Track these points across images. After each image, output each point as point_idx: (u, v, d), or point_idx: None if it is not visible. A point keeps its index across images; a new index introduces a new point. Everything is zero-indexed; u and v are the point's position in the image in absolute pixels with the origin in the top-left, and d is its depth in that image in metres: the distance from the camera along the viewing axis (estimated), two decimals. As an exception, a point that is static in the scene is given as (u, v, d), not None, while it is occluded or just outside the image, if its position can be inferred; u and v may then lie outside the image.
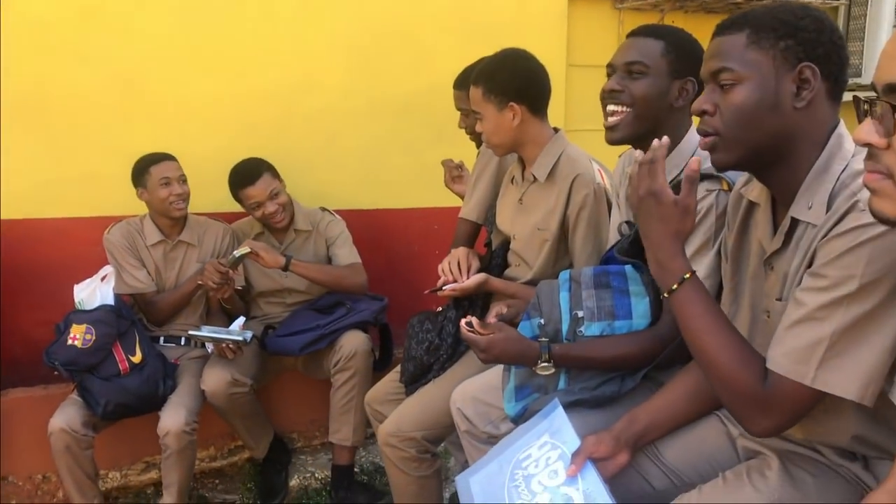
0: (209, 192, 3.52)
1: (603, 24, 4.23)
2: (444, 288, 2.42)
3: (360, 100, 3.79)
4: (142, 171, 3.14)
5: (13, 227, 3.38)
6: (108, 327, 2.94)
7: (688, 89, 1.95)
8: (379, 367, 3.32)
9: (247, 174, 3.21)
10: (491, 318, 2.12)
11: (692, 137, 1.99)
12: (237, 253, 3.09)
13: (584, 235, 2.37)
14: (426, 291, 2.54)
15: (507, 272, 2.60)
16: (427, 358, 2.51)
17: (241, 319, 3.15)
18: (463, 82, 2.83)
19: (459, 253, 2.50)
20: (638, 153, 1.57)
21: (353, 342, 3.15)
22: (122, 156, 3.28)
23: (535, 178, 2.47)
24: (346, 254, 3.40)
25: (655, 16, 4.17)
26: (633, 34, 2.00)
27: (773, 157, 1.48)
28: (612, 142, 2.00)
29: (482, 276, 2.43)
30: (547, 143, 2.43)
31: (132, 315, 3.09)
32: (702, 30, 3.69)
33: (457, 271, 2.45)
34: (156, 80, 3.47)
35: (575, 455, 1.65)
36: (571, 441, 1.68)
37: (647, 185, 1.50)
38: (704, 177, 1.84)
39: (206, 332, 3.06)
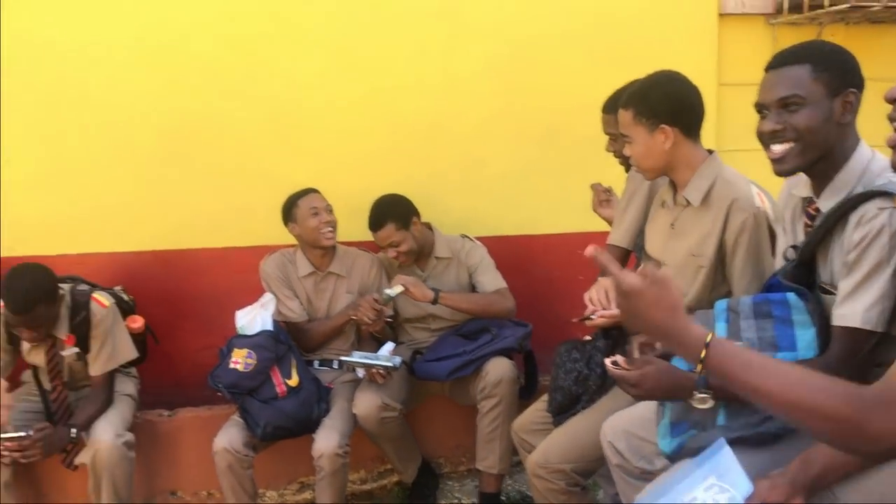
0: (358, 222, 3.62)
1: (756, 40, 4.03)
2: (591, 317, 2.37)
3: (505, 125, 3.80)
4: (290, 206, 3.31)
5: (179, 257, 3.62)
6: (267, 352, 3.08)
7: (850, 101, 1.83)
8: (525, 394, 3.29)
9: (373, 220, 3.31)
10: (634, 351, 2.05)
11: (862, 152, 1.86)
12: (391, 292, 3.19)
13: (744, 262, 2.25)
14: (574, 320, 2.50)
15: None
16: (575, 388, 2.46)
17: (391, 345, 3.21)
18: (612, 106, 2.78)
19: (606, 282, 2.44)
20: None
21: (499, 369, 3.14)
22: (274, 187, 3.46)
23: (688, 202, 2.37)
24: (491, 279, 3.41)
25: (812, 30, 3.95)
26: (774, 66, 1.89)
27: None
28: (781, 174, 1.90)
29: None
30: (700, 165, 2.34)
31: (289, 340, 3.22)
32: (867, 43, 3.46)
33: (605, 300, 2.39)
34: (306, 114, 3.63)
35: (747, 500, 1.55)
36: (741, 484, 1.58)
37: (618, 295, 1.39)
38: (875, 194, 1.71)
39: (357, 357, 3.15)
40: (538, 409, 2.76)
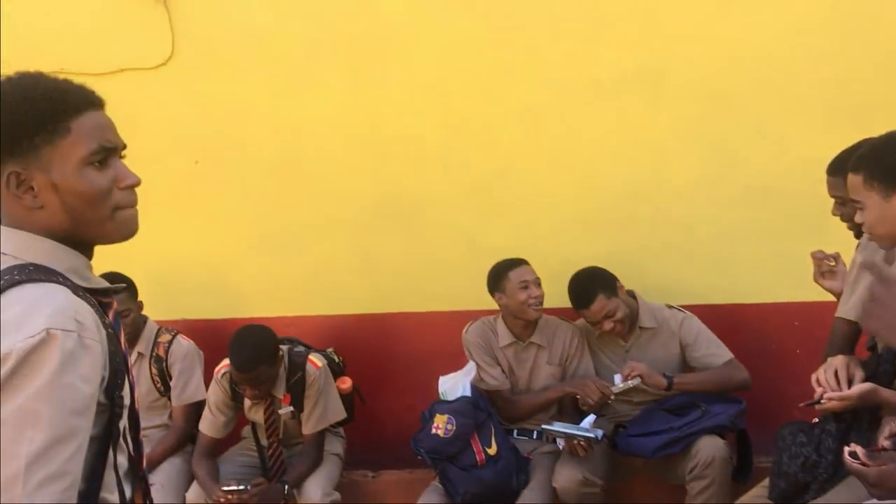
0: (558, 288, 3.59)
1: None
2: (821, 401, 2.16)
3: (713, 189, 3.64)
4: (500, 276, 3.29)
5: (385, 321, 3.76)
6: (466, 418, 3.10)
7: None
8: (738, 477, 3.07)
9: (581, 297, 3.21)
10: (882, 441, 1.84)
11: None
12: (624, 385, 3.11)
13: None
14: (801, 405, 2.30)
15: (898, 381, 2.26)
16: (803, 476, 2.25)
17: (592, 417, 3.12)
18: (839, 168, 2.57)
19: (837, 362, 2.23)
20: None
21: (711, 448, 2.95)
22: (477, 253, 3.52)
23: (926, 272, 2.14)
24: (717, 352, 3.26)
25: None
26: None
27: None
28: None
29: (867, 385, 2.14)
30: None
31: (488, 407, 3.21)
32: None
33: (834, 382, 2.18)
34: (508, 182, 3.69)
35: None
36: None
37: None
38: None
39: (558, 427, 3.08)
40: (757, 494, 2.55)
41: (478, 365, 3.32)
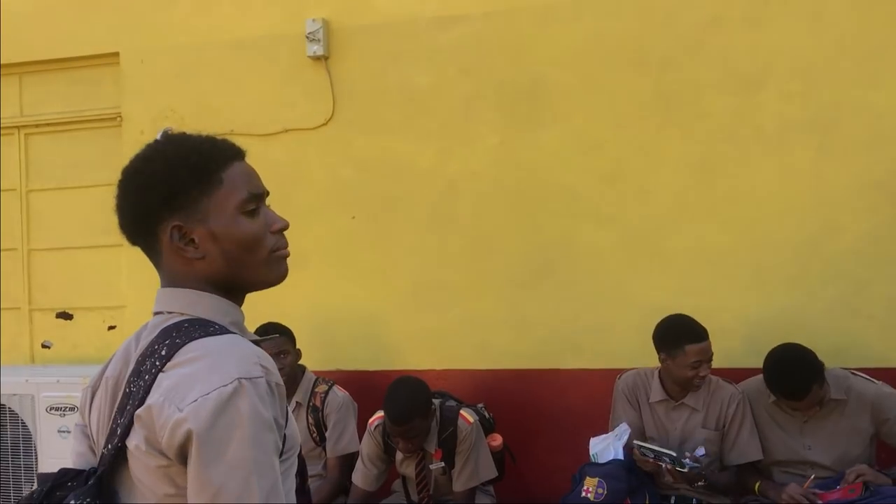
0: (722, 345, 3.41)
1: None
2: None
3: (889, 243, 3.38)
4: (676, 342, 3.09)
5: (536, 376, 3.70)
6: (618, 482, 2.97)
7: None
8: None
9: (796, 391, 2.94)
10: None
11: None
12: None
13: None
14: None
15: None
16: None
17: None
18: None
19: None
20: None
21: None
22: (632, 308, 3.42)
23: None
24: None
25: None
26: None
27: None
28: None
29: None
30: None
31: (643, 473, 3.07)
32: None
33: None
34: (670, 236, 3.58)
35: None
36: None
37: None
38: None
39: (649, 445, 2.99)
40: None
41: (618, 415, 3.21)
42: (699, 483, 3.01)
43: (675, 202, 3.57)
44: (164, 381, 1.11)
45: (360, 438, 3.37)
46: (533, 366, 3.69)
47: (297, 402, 3.45)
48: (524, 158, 3.71)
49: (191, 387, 1.08)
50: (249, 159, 1.28)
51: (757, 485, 3.09)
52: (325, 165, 3.93)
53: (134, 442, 1.12)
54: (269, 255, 1.25)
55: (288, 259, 1.29)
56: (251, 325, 3.32)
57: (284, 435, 1.17)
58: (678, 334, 3.10)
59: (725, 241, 3.52)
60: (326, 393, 3.45)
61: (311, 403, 3.45)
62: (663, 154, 3.58)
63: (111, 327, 4.28)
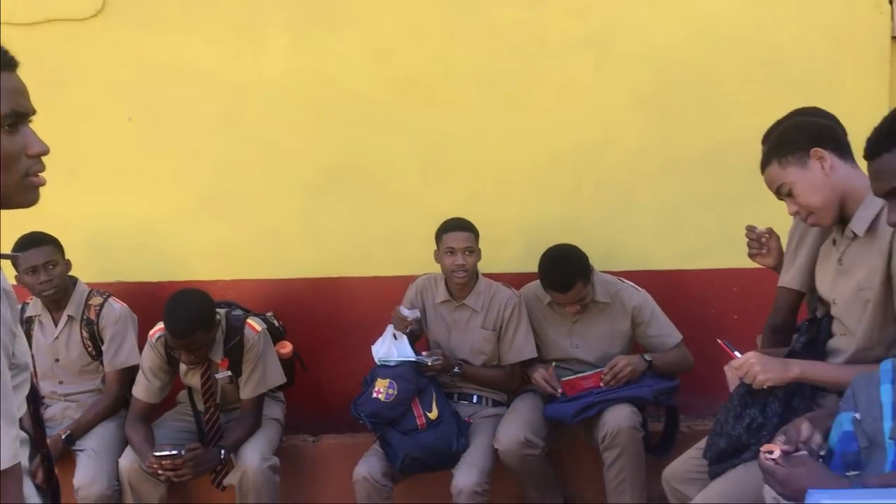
0: (503, 252, 3.60)
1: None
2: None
3: (656, 157, 3.66)
4: (437, 236, 3.28)
5: (329, 285, 3.70)
6: (408, 383, 3.07)
7: None
8: (658, 452, 3.13)
9: (559, 282, 3.13)
10: (803, 433, 1.86)
11: None
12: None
13: None
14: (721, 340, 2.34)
15: (830, 343, 2.30)
16: (746, 437, 2.26)
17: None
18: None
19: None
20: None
21: (617, 418, 2.99)
22: (423, 217, 3.47)
23: (854, 235, 2.19)
24: (669, 333, 3.30)
25: None
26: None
27: None
28: None
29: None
30: (867, 193, 2.13)
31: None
32: None
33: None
34: (454, 146, 3.65)
35: None
36: None
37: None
38: None
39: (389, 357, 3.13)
40: (693, 456, 2.58)
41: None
42: (455, 371, 3.22)
43: (464, 113, 3.62)
44: None
45: (141, 350, 3.23)
46: (325, 274, 3.68)
47: (68, 316, 3.26)
48: (315, 63, 3.60)
49: None
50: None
51: (524, 369, 3.36)
52: (96, 62, 3.60)
53: None
54: (21, 178, 1.17)
55: (41, 186, 1.20)
56: (14, 234, 3.05)
57: (14, 349, 1.11)
58: (441, 227, 3.26)
59: (508, 151, 3.64)
60: (102, 305, 3.27)
61: (84, 317, 3.26)
62: (451, 64, 3.61)
63: None
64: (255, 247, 3.68)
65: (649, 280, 3.48)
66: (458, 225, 3.25)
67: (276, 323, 3.43)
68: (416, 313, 3.22)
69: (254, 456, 3.02)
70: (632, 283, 3.36)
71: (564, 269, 3.13)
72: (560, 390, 3.16)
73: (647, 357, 3.18)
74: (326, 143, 3.65)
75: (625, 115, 3.65)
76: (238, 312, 3.22)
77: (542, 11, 3.61)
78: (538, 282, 3.36)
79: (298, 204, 3.68)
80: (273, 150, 3.65)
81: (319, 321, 3.69)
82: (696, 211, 3.68)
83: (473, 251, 3.23)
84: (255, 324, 3.17)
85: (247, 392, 3.15)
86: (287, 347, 3.38)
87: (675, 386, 3.17)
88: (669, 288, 3.62)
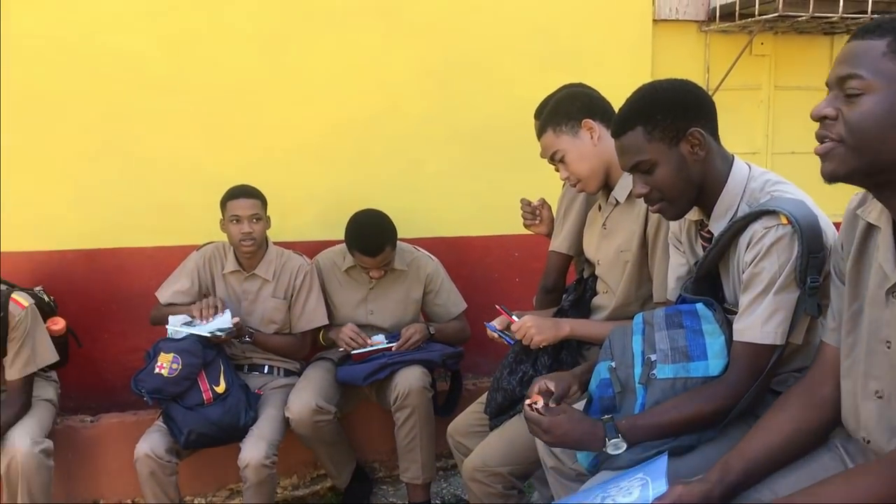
0: (292, 221, 3.58)
1: (689, 48, 4.12)
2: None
3: (439, 127, 3.77)
4: (221, 204, 3.19)
5: (104, 256, 3.49)
6: (194, 357, 2.97)
7: (697, 139, 1.84)
8: (442, 412, 3.28)
9: (368, 246, 3.15)
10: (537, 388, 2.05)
11: (738, 172, 1.90)
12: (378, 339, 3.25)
13: (661, 257, 2.28)
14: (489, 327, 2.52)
15: (595, 300, 2.53)
16: (520, 390, 2.43)
17: (228, 314, 3.11)
18: (541, 111, 2.78)
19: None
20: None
21: (408, 379, 3.09)
22: (204, 184, 3.37)
23: (617, 201, 2.41)
24: (455, 302, 3.46)
25: (744, 38, 4.04)
26: (616, 136, 1.93)
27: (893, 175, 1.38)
28: (671, 220, 2.01)
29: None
30: None
31: (218, 346, 3.11)
32: (794, 52, 3.54)
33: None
34: (237, 110, 3.54)
35: (658, 500, 1.56)
36: (659, 486, 1.60)
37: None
38: (760, 214, 1.75)
39: (186, 328, 3.04)
40: (474, 411, 2.74)
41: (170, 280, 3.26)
42: (246, 339, 3.18)
43: (246, 76, 3.52)
44: None
45: None
46: (98, 245, 3.46)
47: None
48: (80, 20, 3.33)
49: None
50: None
51: (321, 334, 3.37)
52: None
53: None
54: None
55: None
56: None
57: None
58: (226, 195, 3.17)
59: (295, 118, 3.59)
60: None
61: None
62: (233, 26, 3.49)
63: None
64: (19, 215, 3.38)
65: (435, 246, 3.61)
66: (242, 192, 3.16)
67: (46, 298, 3.18)
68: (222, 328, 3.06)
69: (23, 440, 2.80)
70: (426, 252, 3.46)
71: (374, 232, 3.17)
72: (369, 342, 3.21)
73: (432, 330, 3.31)
74: (95, 104, 3.40)
75: (411, 84, 3.72)
76: (1, 287, 2.96)
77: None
78: (336, 248, 3.39)
79: (67, 169, 3.41)
80: (37, 111, 3.35)
81: (95, 295, 3.48)
82: (475, 180, 3.84)
83: (260, 218, 3.17)
84: (20, 299, 2.92)
85: (13, 373, 2.91)
86: (59, 324, 3.15)
87: (461, 352, 3.33)
88: (455, 254, 3.78)
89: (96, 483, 3.28)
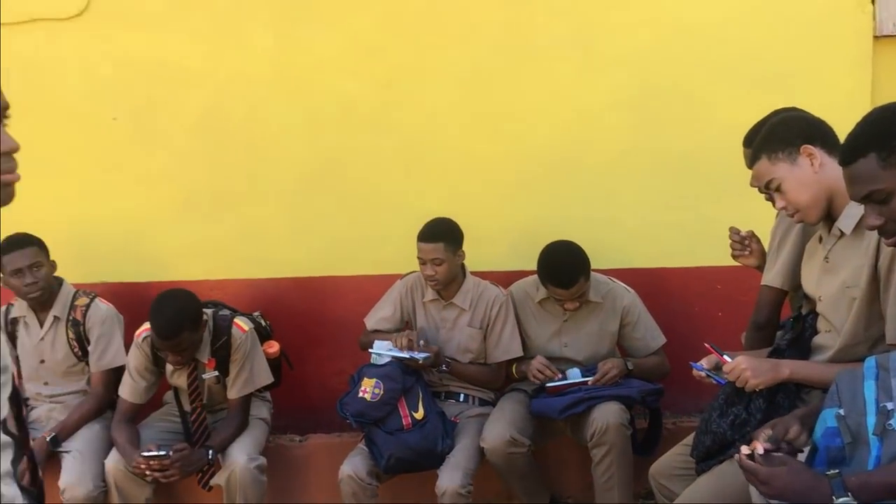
0: (487, 250, 3.61)
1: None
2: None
3: (638, 156, 3.68)
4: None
5: (314, 284, 3.70)
6: (394, 383, 3.08)
7: None
8: (641, 451, 3.16)
9: (561, 277, 3.10)
10: (791, 433, 1.90)
11: None
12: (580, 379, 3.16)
13: None
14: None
15: (815, 340, 2.34)
16: (731, 433, 2.29)
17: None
18: (752, 139, 2.63)
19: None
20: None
21: (606, 414, 3.00)
22: (407, 216, 3.47)
23: (841, 233, 2.22)
24: (654, 336, 3.33)
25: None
26: (845, 163, 1.82)
27: None
28: None
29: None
30: None
31: (417, 373, 3.20)
32: None
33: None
34: (438, 145, 3.66)
35: None
36: None
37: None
38: None
39: (383, 350, 3.13)
40: (679, 452, 2.61)
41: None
42: (443, 368, 3.23)
43: (448, 111, 3.64)
44: None
45: (127, 351, 3.22)
46: (311, 273, 3.69)
47: (54, 317, 3.24)
48: (299, 61, 3.61)
49: None
50: None
51: (513, 366, 3.35)
52: (81, 61, 3.58)
53: None
54: None
55: (14, 183, 1.15)
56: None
57: None
58: (418, 233, 3.23)
59: (494, 150, 3.66)
60: (88, 306, 3.26)
61: (70, 317, 3.25)
62: (437, 63, 3.62)
63: None
64: (240, 246, 3.68)
65: (633, 278, 3.51)
66: (426, 235, 3.20)
67: (263, 322, 3.43)
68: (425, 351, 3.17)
69: (241, 456, 3.02)
70: (622, 283, 3.38)
71: (568, 264, 3.14)
72: (558, 376, 3.17)
73: (630, 365, 3.21)
74: (310, 141, 3.65)
75: (608, 114, 3.67)
76: (225, 312, 3.22)
77: (526, 11, 3.62)
78: (530, 279, 3.38)
79: (283, 203, 3.68)
80: (257, 149, 3.65)
81: (305, 320, 3.70)
82: (675, 210, 3.70)
83: (442, 262, 3.18)
84: (242, 323, 3.17)
85: (234, 392, 3.15)
86: (274, 347, 3.38)
87: (661, 389, 3.21)
88: (653, 286, 3.66)
89: (304, 500, 3.45)
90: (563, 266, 3.13)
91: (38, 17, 3.54)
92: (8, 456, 1.16)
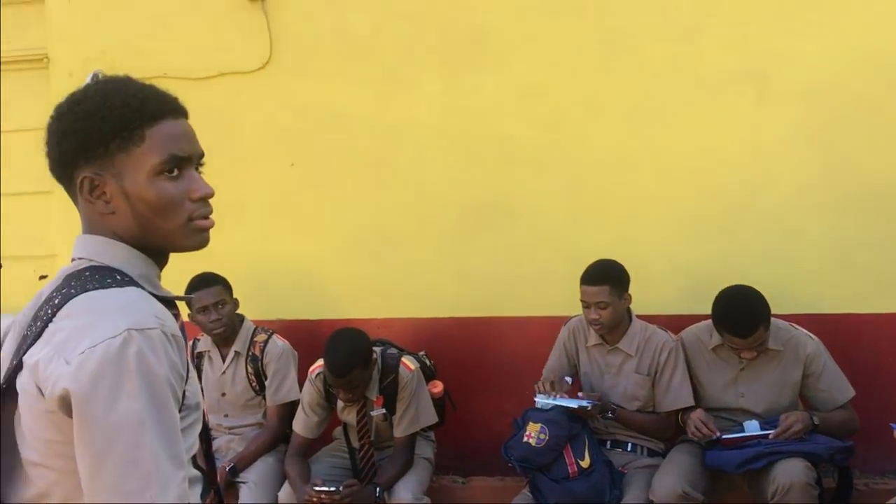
0: (656, 292, 3.49)
1: None
2: None
3: (821, 192, 3.46)
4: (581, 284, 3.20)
5: (478, 324, 3.72)
6: (560, 429, 3.02)
7: None
8: None
9: (740, 327, 2.94)
10: None
11: None
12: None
13: None
14: None
15: None
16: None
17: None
18: None
19: None
20: None
21: (790, 472, 2.77)
22: (572, 256, 3.42)
23: None
24: (843, 387, 3.08)
25: None
26: None
27: None
28: None
29: None
30: None
31: (583, 420, 3.12)
32: None
33: None
34: (607, 183, 3.60)
35: None
36: None
37: None
38: None
39: (548, 400, 3.06)
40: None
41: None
42: (609, 416, 3.12)
43: (613, 150, 3.58)
44: (54, 332, 1.09)
45: (301, 387, 3.35)
46: (474, 314, 3.71)
47: (235, 352, 3.42)
48: (464, 105, 3.67)
49: (79, 339, 1.06)
50: (185, 104, 1.23)
51: (680, 415, 3.19)
52: (263, 111, 3.83)
53: (21, 384, 1.11)
54: (186, 223, 1.19)
55: (210, 229, 1.23)
56: (187, 275, 3.26)
57: (185, 391, 1.14)
58: (581, 275, 3.16)
59: (662, 189, 3.55)
60: (266, 342, 3.43)
61: (250, 353, 3.42)
62: (602, 101, 3.58)
63: (42, 277, 4.14)
64: (406, 285, 3.76)
65: (815, 324, 3.27)
66: (590, 277, 3.13)
67: (428, 362, 3.47)
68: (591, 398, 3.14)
69: (406, 495, 3.06)
70: (805, 330, 3.15)
71: (746, 311, 2.96)
72: (717, 434, 2.99)
73: (816, 420, 2.97)
74: (475, 182, 3.70)
75: (787, 149, 3.48)
76: (393, 351, 3.29)
77: (696, 46, 3.52)
78: (702, 324, 3.23)
79: (448, 243, 3.74)
80: (424, 190, 3.74)
81: (468, 360, 3.71)
82: (866, 250, 3.44)
83: (607, 305, 3.09)
84: (409, 363, 3.23)
85: (400, 430, 3.20)
86: (438, 387, 3.40)
87: (852, 447, 2.95)
88: (839, 333, 3.39)
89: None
90: (742, 314, 2.96)
91: (226, 72, 3.82)
92: (197, 490, 1.22)
